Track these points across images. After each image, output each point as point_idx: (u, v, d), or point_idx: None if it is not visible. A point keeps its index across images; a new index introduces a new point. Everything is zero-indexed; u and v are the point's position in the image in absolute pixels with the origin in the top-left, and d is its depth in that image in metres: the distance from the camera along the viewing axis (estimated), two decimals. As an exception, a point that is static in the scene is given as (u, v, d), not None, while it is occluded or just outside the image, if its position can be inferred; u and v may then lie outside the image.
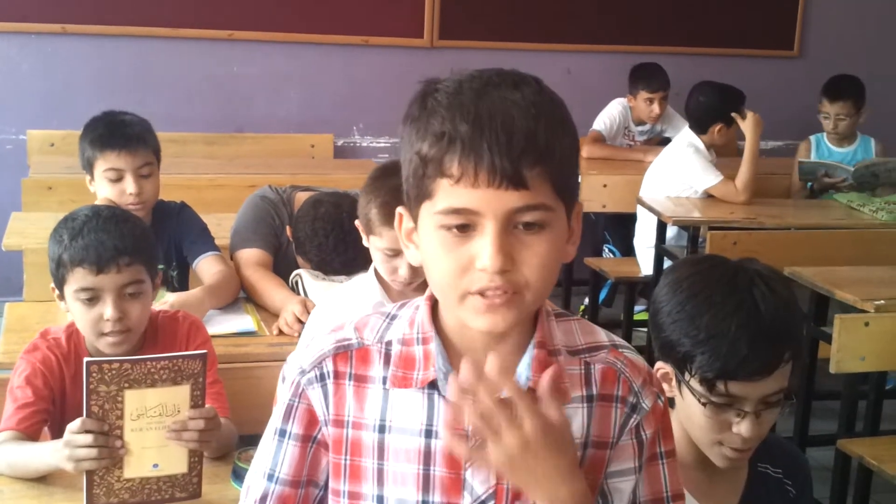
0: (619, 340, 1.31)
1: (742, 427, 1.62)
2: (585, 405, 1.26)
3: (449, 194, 1.14)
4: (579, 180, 1.23)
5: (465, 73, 1.18)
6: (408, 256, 1.25)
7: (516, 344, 1.24)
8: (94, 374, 1.81)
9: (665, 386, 1.69)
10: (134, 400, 1.84)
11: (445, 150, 1.13)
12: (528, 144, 1.12)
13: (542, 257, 1.15)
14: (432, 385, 1.23)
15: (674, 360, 1.66)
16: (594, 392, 1.26)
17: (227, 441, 2.09)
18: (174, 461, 1.89)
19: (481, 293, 1.15)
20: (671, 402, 1.73)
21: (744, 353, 1.58)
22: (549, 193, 1.15)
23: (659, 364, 1.70)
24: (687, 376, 1.64)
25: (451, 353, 1.24)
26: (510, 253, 1.14)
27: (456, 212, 1.14)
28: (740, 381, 1.60)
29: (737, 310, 1.59)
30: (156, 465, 1.88)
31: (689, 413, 1.66)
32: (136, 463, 1.87)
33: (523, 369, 1.23)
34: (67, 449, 1.85)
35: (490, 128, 1.11)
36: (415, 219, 1.20)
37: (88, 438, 1.83)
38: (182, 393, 1.86)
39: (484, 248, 1.13)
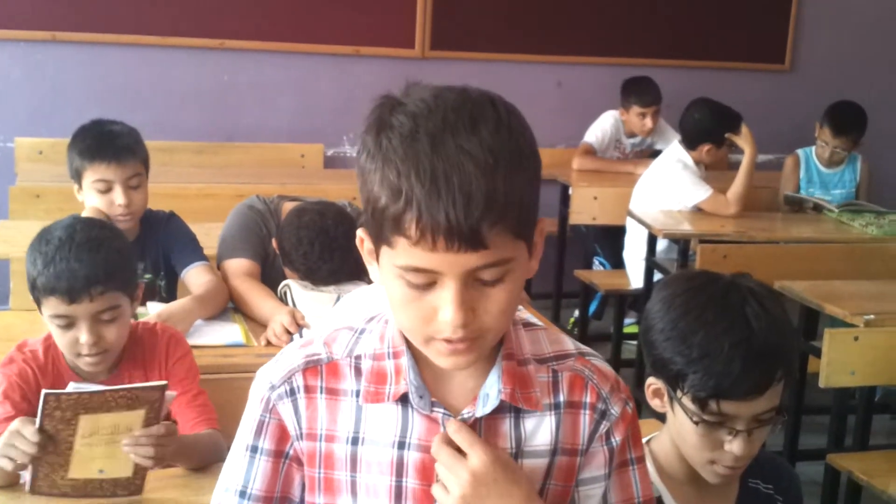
0: (585, 349, 1.32)
1: (734, 445, 1.62)
2: (553, 413, 1.27)
3: (409, 253, 1.11)
4: (539, 201, 1.18)
5: (420, 102, 1.13)
6: (371, 274, 1.23)
7: (485, 357, 1.24)
8: (51, 403, 1.81)
9: (657, 402, 1.69)
10: (88, 423, 1.84)
11: (403, 211, 1.09)
12: (488, 205, 1.08)
13: (502, 304, 1.15)
14: (404, 399, 1.23)
15: (666, 378, 1.65)
16: (562, 399, 1.27)
17: (214, 452, 2.06)
18: (120, 467, 1.90)
19: (446, 340, 1.15)
20: (663, 418, 1.72)
21: (736, 373, 1.56)
22: (509, 244, 1.12)
23: (651, 380, 1.69)
24: (679, 394, 1.63)
25: (422, 367, 1.24)
26: (472, 306, 1.14)
27: (416, 270, 1.12)
28: (733, 400, 1.59)
29: (729, 329, 1.58)
30: (101, 471, 1.89)
31: (681, 430, 1.65)
32: (83, 467, 1.88)
33: (494, 381, 1.23)
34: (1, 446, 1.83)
35: (447, 190, 1.07)
36: (376, 250, 1.18)
37: (28, 449, 1.81)
38: (136, 416, 1.87)
39: (445, 303, 1.13)
